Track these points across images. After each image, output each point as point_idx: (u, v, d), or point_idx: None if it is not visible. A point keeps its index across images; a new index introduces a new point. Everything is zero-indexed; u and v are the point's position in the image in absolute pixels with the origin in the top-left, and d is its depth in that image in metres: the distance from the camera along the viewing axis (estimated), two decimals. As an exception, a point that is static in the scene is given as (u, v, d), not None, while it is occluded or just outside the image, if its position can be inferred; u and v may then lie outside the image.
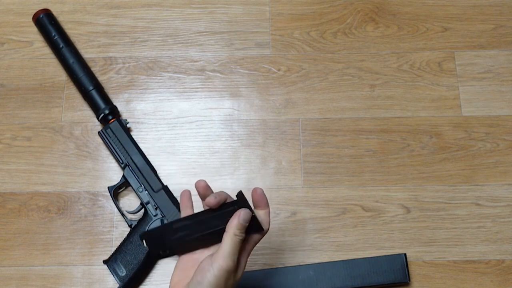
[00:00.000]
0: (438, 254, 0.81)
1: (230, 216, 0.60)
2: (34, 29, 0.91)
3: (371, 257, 0.79)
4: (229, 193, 0.84)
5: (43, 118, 0.88)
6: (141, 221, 0.80)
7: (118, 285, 0.78)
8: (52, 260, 0.81)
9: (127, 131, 0.84)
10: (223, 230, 0.60)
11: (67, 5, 0.94)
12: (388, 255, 0.79)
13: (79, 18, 0.94)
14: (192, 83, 0.90)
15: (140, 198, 0.81)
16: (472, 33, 0.92)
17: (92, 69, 0.89)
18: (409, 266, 0.80)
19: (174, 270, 0.62)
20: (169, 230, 0.64)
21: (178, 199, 0.82)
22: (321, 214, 0.83)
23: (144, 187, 0.81)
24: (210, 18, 0.94)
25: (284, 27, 0.93)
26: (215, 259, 0.58)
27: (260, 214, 0.63)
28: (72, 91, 0.89)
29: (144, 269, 0.79)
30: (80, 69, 0.86)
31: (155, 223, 0.79)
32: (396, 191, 0.84)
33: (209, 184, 0.85)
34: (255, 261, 0.81)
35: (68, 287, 0.80)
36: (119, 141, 0.83)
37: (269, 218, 0.63)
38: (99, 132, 0.84)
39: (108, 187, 0.82)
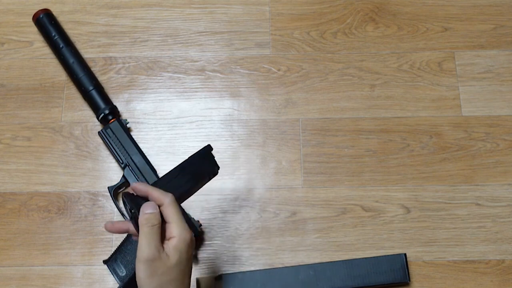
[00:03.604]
0: (438, 254, 0.81)
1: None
2: (34, 29, 0.91)
3: (371, 257, 0.79)
4: (229, 194, 0.84)
5: (43, 118, 0.88)
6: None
7: (118, 285, 0.78)
8: (52, 260, 0.81)
9: (127, 131, 0.84)
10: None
11: (67, 5, 0.94)
12: (388, 255, 0.79)
13: (79, 18, 0.94)
14: (192, 83, 0.90)
15: (140, 198, 0.81)
16: (472, 33, 0.92)
17: (92, 69, 0.89)
18: (409, 266, 0.80)
19: None
20: None
21: (178, 199, 0.82)
22: (321, 214, 0.83)
23: (144, 187, 0.81)
24: (210, 18, 0.94)
25: (284, 27, 0.93)
26: (172, 233, 0.57)
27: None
28: (72, 91, 0.89)
29: (144, 269, 0.79)
30: (80, 69, 0.86)
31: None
32: (396, 191, 0.84)
33: (209, 184, 0.85)
34: (255, 261, 0.81)
35: (68, 287, 0.80)
36: (119, 141, 0.83)
37: (157, 194, 0.60)
38: (99, 132, 0.84)
39: (108, 187, 0.82)
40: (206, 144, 0.66)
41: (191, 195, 0.67)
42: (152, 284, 0.56)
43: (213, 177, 0.68)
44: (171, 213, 0.58)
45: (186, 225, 0.58)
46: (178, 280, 0.58)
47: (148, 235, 0.56)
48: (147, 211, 0.57)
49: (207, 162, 0.64)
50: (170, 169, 0.64)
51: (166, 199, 0.58)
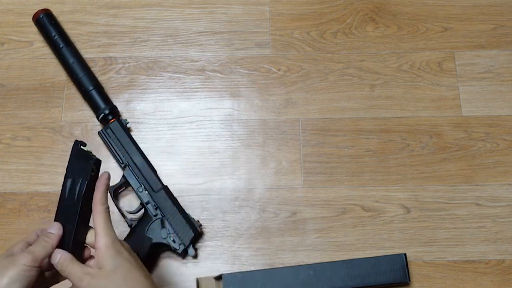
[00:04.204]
0: (438, 254, 0.81)
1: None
2: (34, 29, 0.91)
3: (371, 257, 0.79)
4: (229, 194, 0.84)
5: (43, 118, 0.88)
6: (141, 221, 0.80)
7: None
8: (52, 260, 0.81)
9: (127, 131, 0.84)
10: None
11: (67, 5, 0.94)
12: (388, 255, 0.79)
13: (79, 18, 0.94)
14: (192, 83, 0.90)
15: (140, 198, 0.81)
16: (472, 33, 0.92)
17: (92, 69, 0.89)
18: (409, 266, 0.80)
19: None
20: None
21: (178, 199, 0.82)
22: (321, 214, 0.83)
23: (144, 187, 0.81)
24: (210, 18, 0.94)
25: (284, 27, 0.93)
26: (97, 243, 0.59)
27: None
28: (72, 91, 0.89)
29: (144, 269, 0.79)
30: (80, 69, 0.86)
31: (155, 223, 0.79)
32: (396, 191, 0.84)
33: (209, 184, 0.85)
34: (255, 261, 0.81)
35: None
36: (119, 141, 0.83)
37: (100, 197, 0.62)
38: (99, 132, 0.84)
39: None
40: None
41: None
42: None
43: (99, 168, 0.65)
44: (95, 224, 0.61)
45: (109, 231, 0.61)
46: (130, 281, 0.59)
47: (68, 275, 0.59)
48: (54, 262, 0.60)
49: (83, 160, 0.64)
50: (62, 187, 0.64)
51: (95, 222, 0.61)
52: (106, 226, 0.61)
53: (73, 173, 0.64)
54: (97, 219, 0.61)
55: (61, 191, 0.63)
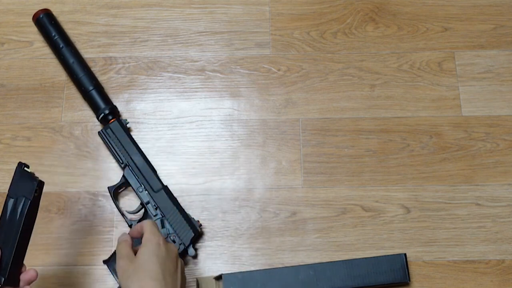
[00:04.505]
0: (438, 254, 0.81)
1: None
2: (34, 29, 0.91)
3: (371, 257, 0.79)
4: (229, 194, 0.84)
5: (43, 118, 0.88)
6: (141, 221, 0.80)
7: (118, 285, 0.78)
8: (52, 260, 0.81)
9: (127, 131, 0.84)
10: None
11: (67, 5, 0.94)
12: (388, 255, 0.79)
13: (79, 18, 0.94)
14: (192, 83, 0.90)
15: (140, 198, 0.81)
16: (472, 33, 0.92)
17: (92, 69, 0.89)
18: (409, 266, 0.80)
19: None
20: None
21: (178, 199, 0.82)
22: (321, 214, 0.83)
23: (144, 187, 0.81)
24: (210, 18, 0.94)
25: (284, 27, 0.93)
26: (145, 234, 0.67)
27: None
28: (72, 91, 0.89)
29: (144, 269, 0.79)
30: (80, 69, 0.86)
31: (155, 223, 0.79)
32: (396, 191, 0.84)
33: (209, 184, 0.85)
34: (255, 261, 0.81)
35: (68, 287, 0.80)
36: (119, 141, 0.83)
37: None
38: (99, 132, 0.84)
39: (108, 187, 0.82)
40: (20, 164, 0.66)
41: (35, 219, 0.66)
42: (127, 282, 0.63)
43: (41, 190, 0.66)
44: (144, 229, 0.68)
45: (156, 232, 0.67)
46: (152, 270, 0.63)
47: (116, 249, 0.68)
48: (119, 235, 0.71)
49: (27, 181, 0.65)
50: (3, 207, 0.64)
51: (144, 224, 0.69)
52: (153, 228, 0.68)
53: (16, 193, 0.64)
54: (145, 227, 0.68)
55: (2, 210, 0.64)
